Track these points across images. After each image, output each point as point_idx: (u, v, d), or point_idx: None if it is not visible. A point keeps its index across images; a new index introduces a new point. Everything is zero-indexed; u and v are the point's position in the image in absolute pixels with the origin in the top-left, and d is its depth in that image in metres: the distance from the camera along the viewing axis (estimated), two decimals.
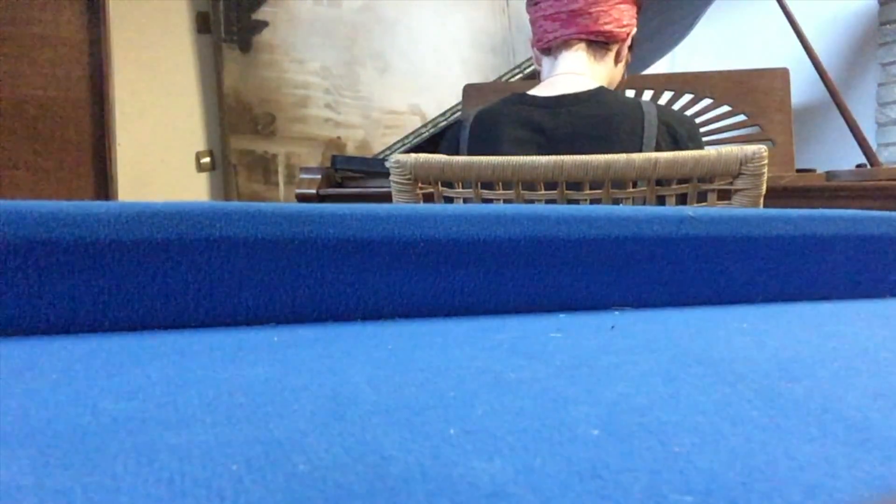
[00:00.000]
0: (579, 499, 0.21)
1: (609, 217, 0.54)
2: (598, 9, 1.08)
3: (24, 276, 0.42)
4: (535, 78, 1.80)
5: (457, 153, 1.10)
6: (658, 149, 1.00)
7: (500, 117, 1.08)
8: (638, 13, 1.15)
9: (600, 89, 1.06)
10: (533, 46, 1.18)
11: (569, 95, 1.06)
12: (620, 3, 1.10)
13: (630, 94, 1.61)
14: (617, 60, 1.14)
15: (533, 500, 0.20)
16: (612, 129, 1.01)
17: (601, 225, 0.54)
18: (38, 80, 2.39)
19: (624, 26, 1.11)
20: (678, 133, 1.02)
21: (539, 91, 1.10)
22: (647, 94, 1.60)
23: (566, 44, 1.11)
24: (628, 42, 1.14)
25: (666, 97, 1.58)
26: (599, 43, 1.11)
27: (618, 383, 0.32)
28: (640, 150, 1.00)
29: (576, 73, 1.10)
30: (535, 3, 1.14)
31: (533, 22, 1.15)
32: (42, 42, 2.39)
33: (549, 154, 0.89)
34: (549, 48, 1.13)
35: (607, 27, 1.09)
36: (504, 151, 1.04)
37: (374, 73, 2.80)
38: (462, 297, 0.51)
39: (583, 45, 1.11)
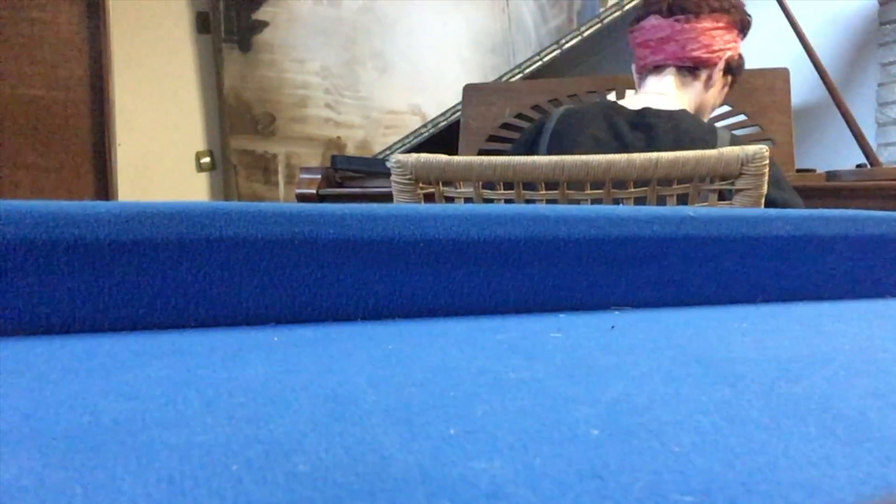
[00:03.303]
0: (579, 499, 0.21)
1: (609, 217, 0.54)
2: (686, 36, 1.11)
3: (24, 276, 0.42)
4: (535, 78, 1.80)
5: (534, 144, 1.13)
6: None
7: (586, 115, 1.11)
8: (741, 36, 1.16)
9: (682, 111, 1.09)
10: (634, 72, 1.23)
11: (651, 110, 1.08)
12: (712, 28, 1.11)
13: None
14: (707, 85, 1.16)
15: (533, 500, 0.20)
16: (684, 147, 1.03)
17: (601, 225, 0.54)
18: (38, 80, 2.39)
19: (715, 52, 1.12)
20: None
21: (626, 102, 1.13)
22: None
23: (656, 69, 1.15)
24: (721, 65, 1.15)
25: None
26: (688, 68, 1.14)
27: (618, 383, 0.32)
28: None
29: (661, 93, 1.13)
30: (630, 31, 1.19)
31: (632, 49, 1.21)
32: (42, 42, 2.39)
33: None
34: (642, 72, 1.18)
35: (695, 53, 1.12)
36: (583, 145, 1.07)
37: (374, 73, 2.79)
38: (462, 297, 0.51)
39: (671, 70, 1.14)
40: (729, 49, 1.14)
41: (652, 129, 1.06)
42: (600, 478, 0.22)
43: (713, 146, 1.02)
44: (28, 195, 2.36)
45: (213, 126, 2.70)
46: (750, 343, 0.41)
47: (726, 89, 1.21)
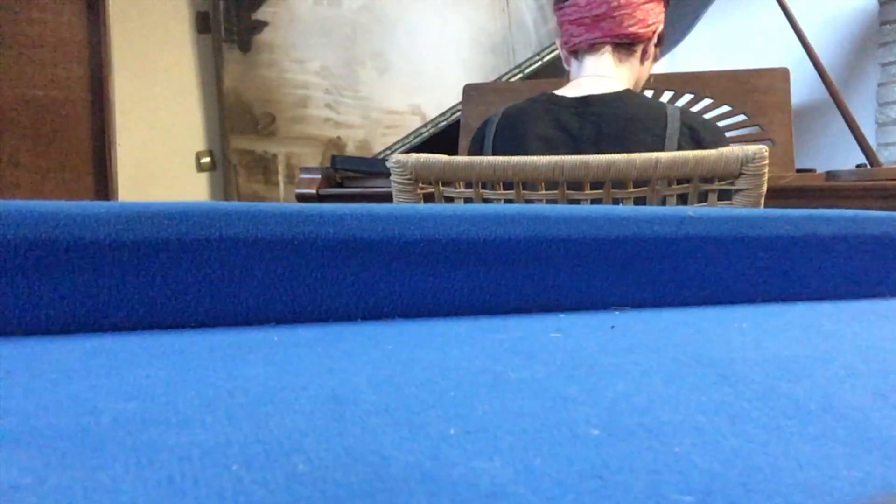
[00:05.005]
0: (579, 499, 0.21)
1: (609, 217, 0.54)
2: (623, 12, 1.09)
3: (24, 276, 0.42)
4: (535, 77, 1.80)
5: (482, 148, 1.12)
6: (679, 150, 1.00)
7: (528, 115, 1.09)
8: (666, 7, 1.15)
9: (626, 91, 1.07)
10: (561, 47, 1.19)
11: (594, 96, 1.06)
12: (645, 2, 1.10)
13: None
14: (643, 59, 1.15)
15: (533, 500, 0.20)
16: (636, 131, 1.02)
17: (601, 225, 0.54)
18: (38, 80, 2.39)
19: (649, 26, 1.11)
20: (702, 137, 1.01)
21: (566, 91, 1.11)
22: (648, 94, 1.59)
23: (592, 47, 1.12)
24: (654, 40, 1.14)
25: (666, 97, 1.58)
26: (625, 45, 1.12)
27: (618, 383, 0.32)
28: (662, 151, 1.00)
29: (601, 75, 1.11)
30: (560, 8, 1.15)
31: (560, 24, 1.17)
32: (42, 42, 2.39)
33: (573, 154, 0.89)
34: (576, 51, 1.15)
35: (632, 29, 1.10)
36: (531, 148, 1.05)
37: (374, 73, 2.79)
38: (462, 297, 0.51)
39: (608, 48, 1.12)
40: (660, 22, 1.13)
41: (599, 116, 1.04)
42: (600, 478, 0.22)
43: (664, 125, 1.02)
44: (28, 195, 2.36)
45: (213, 126, 2.70)
46: (750, 343, 0.41)
47: (655, 60, 1.20)
